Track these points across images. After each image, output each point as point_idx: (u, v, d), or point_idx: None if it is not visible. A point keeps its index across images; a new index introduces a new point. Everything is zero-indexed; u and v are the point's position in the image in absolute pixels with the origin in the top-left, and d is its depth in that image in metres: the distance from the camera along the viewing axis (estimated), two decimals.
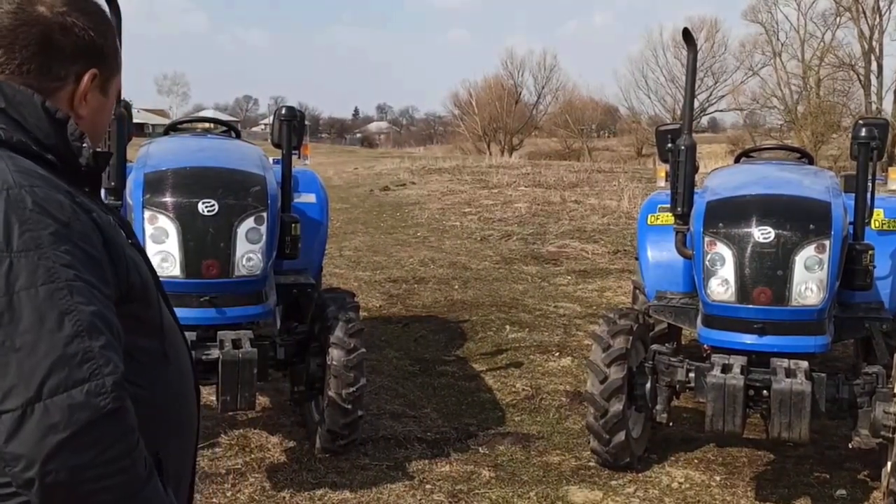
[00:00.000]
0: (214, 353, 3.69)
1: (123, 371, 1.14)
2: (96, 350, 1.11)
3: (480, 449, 4.47)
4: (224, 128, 5.51)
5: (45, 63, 1.28)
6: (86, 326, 1.11)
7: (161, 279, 3.63)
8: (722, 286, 3.87)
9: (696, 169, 4.31)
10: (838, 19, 39.43)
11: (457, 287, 8.35)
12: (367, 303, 7.13)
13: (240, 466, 4.11)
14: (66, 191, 1.21)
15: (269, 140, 4.68)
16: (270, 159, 4.64)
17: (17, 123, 1.24)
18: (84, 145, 1.29)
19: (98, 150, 1.34)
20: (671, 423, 4.30)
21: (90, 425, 1.09)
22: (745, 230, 3.88)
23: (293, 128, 4.43)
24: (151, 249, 3.79)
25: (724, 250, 3.88)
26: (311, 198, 4.96)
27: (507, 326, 6.87)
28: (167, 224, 3.82)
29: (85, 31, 1.30)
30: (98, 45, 1.32)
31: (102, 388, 1.10)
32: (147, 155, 4.29)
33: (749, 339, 3.83)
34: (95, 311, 1.13)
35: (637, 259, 5.20)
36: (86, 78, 1.31)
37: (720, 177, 4.65)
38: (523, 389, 5.41)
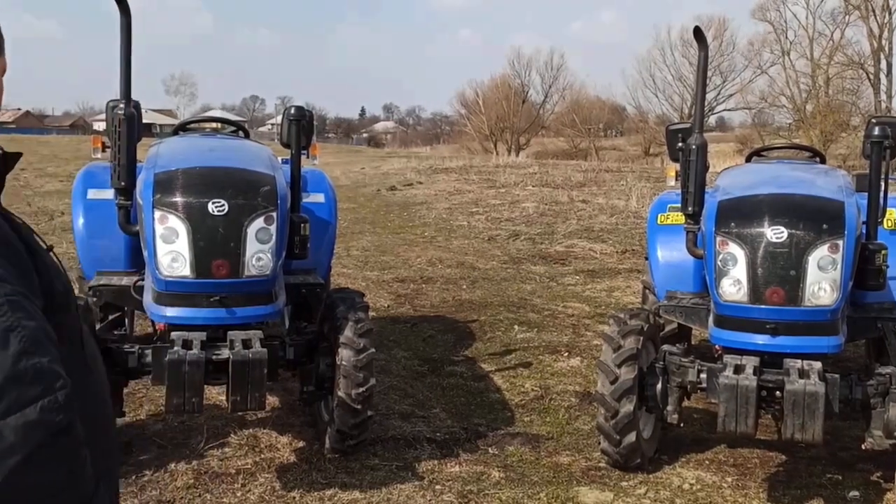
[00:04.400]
0: (224, 353, 3.68)
1: (70, 385, 1.09)
2: (45, 365, 1.06)
3: (490, 449, 4.46)
4: (233, 128, 5.51)
5: None
6: (32, 342, 1.06)
7: (171, 279, 3.61)
8: (734, 286, 3.84)
9: (706, 168, 4.29)
10: (847, 17, 39.31)
11: (465, 287, 8.33)
12: (375, 303, 7.12)
13: (250, 466, 4.10)
14: None
15: (277, 140, 4.67)
16: (279, 159, 4.63)
17: None
18: None
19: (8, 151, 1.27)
20: (682, 424, 4.28)
21: (45, 444, 1.05)
22: (758, 230, 3.85)
23: (302, 128, 4.42)
24: (162, 249, 3.79)
25: (736, 250, 3.86)
26: (319, 198, 4.96)
27: (516, 326, 6.85)
28: (177, 224, 3.81)
29: None
30: None
31: (56, 404, 1.06)
32: (157, 155, 4.29)
33: (762, 340, 3.80)
34: (38, 326, 1.09)
35: (647, 259, 5.18)
36: None
37: (732, 176, 4.62)
38: (532, 390, 5.39)
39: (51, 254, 1.27)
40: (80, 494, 1.10)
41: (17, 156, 1.30)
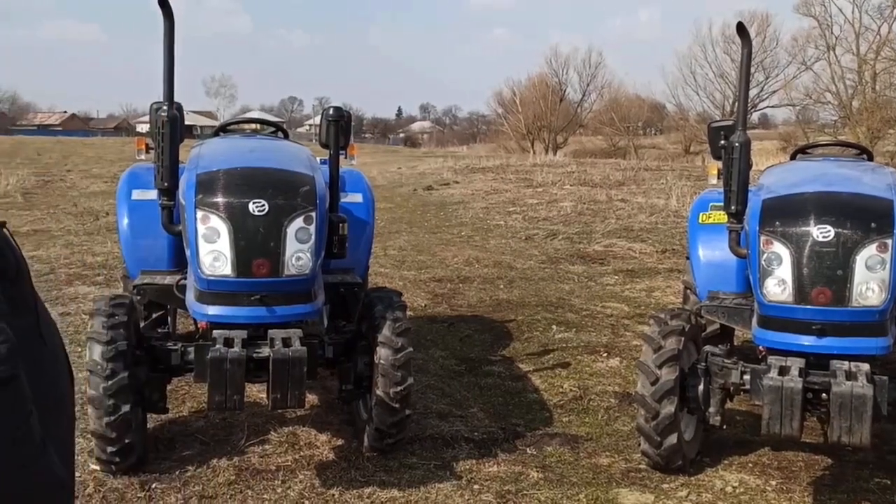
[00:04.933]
0: (265, 351, 3.71)
1: (15, 341, 1.09)
2: None
3: (528, 449, 4.44)
4: (272, 128, 5.56)
5: None
6: None
7: (213, 278, 3.63)
8: (779, 286, 3.77)
9: (750, 166, 4.21)
10: (894, 11, 38.31)
11: (502, 286, 8.31)
12: (412, 302, 7.13)
13: (289, 463, 4.14)
14: None
15: (316, 140, 4.70)
16: (318, 159, 4.67)
17: None
18: None
19: None
20: (725, 426, 4.21)
21: None
22: (804, 229, 3.77)
23: (340, 128, 4.44)
24: (203, 249, 3.84)
25: (781, 249, 3.78)
26: (357, 197, 4.98)
27: (554, 326, 6.81)
28: (219, 224, 3.86)
29: None
30: None
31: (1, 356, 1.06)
32: (199, 156, 4.35)
33: (807, 341, 3.72)
34: None
35: (688, 258, 5.11)
36: None
37: (776, 174, 4.54)
38: (571, 390, 5.35)
39: (3, 230, 1.27)
40: (24, 450, 1.09)
41: None
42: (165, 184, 4.06)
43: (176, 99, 4.09)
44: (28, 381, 1.18)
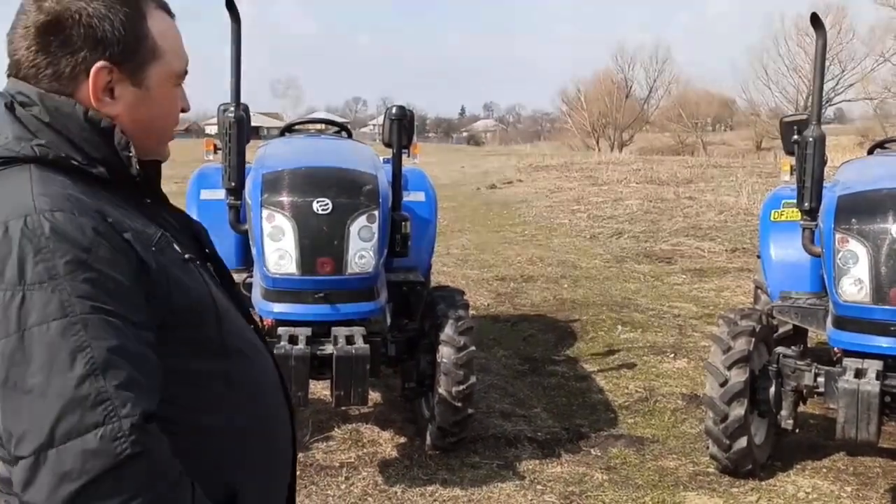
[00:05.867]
0: (329, 348, 3.76)
1: (149, 411, 1.05)
2: (111, 390, 1.02)
3: (592, 451, 4.38)
4: (336, 128, 5.63)
5: (54, 62, 1.17)
6: (100, 364, 1.02)
7: (278, 276, 3.67)
8: (855, 286, 3.64)
9: (824, 162, 4.07)
10: None
11: (566, 286, 8.23)
12: (475, 301, 7.12)
13: (353, 460, 4.18)
14: (97, 210, 1.11)
15: (379, 140, 4.73)
16: (381, 158, 4.70)
17: (65, 137, 1.16)
18: (130, 154, 1.19)
19: (157, 157, 1.25)
20: (797, 430, 4.09)
21: (107, 473, 1.00)
22: (882, 226, 3.63)
23: (403, 127, 4.46)
24: (269, 247, 3.91)
25: (857, 248, 3.64)
26: (420, 196, 4.99)
27: (619, 326, 6.71)
28: (284, 223, 3.92)
29: (91, 19, 1.17)
30: (106, 33, 1.18)
31: (119, 433, 1.01)
32: (264, 156, 4.43)
33: (886, 343, 3.58)
34: (114, 347, 1.04)
35: (759, 257, 4.97)
36: (92, 72, 1.18)
37: (852, 170, 4.38)
38: (636, 391, 5.26)
39: (189, 265, 1.23)
40: None
41: (157, 164, 1.31)
42: (233, 183, 4.15)
43: (243, 100, 4.18)
44: (218, 429, 1.18)
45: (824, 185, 4.07)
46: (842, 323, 3.74)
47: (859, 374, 3.52)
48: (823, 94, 4.31)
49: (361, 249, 3.94)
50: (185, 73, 1.30)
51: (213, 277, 1.31)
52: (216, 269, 1.36)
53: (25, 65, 1.19)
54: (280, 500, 1.35)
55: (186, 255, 1.23)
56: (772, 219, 4.70)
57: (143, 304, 1.11)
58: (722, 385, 3.85)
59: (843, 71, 43.53)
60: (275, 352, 3.68)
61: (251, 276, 4.29)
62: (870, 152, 5.10)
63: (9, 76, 1.23)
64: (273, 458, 1.31)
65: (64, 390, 1.01)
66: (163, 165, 1.37)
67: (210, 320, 1.22)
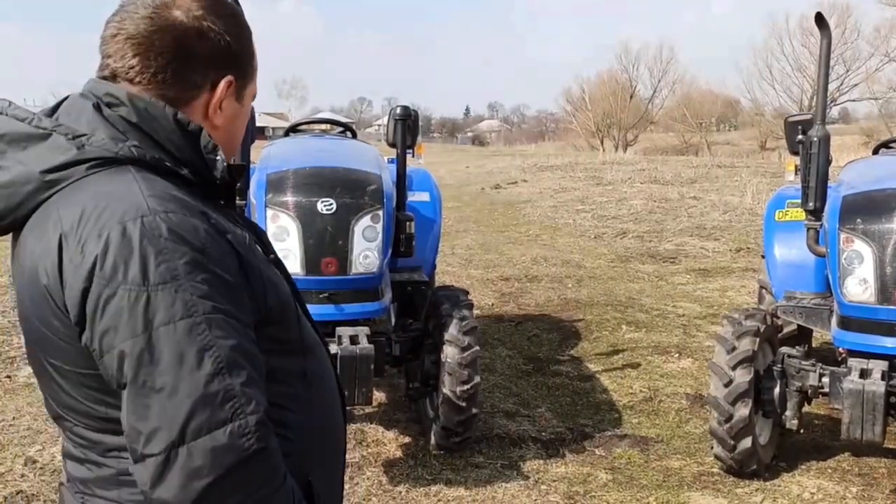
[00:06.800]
0: (333, 348, 3.76)
1: (266, 407, 1.08)
2: (237, 388, 1.05)
3: (597, 451, 4.38)
4: (341, 128, 5.64)
5: (181, 71, 1.20)
6: (226, 363, 1.06)
7: None
8: (860, 286, 3.63)
9: (829, 161, 4.06)
10: None
11: (570, 286, 8.23)
12: (479, 301, 7.12)
13: (357, 460, 4.18)
14: (201, 211, 1.14)
15: (384, 140, 4.74)
16: (385, 158, 4.70)
17: (150, 138, 1.18)
18: (218, 158, 1.22)
19: (231, 162, 1.26)
20: (802, 430, 4.08)
21: (235, 468, 1.04)
22: (887, 226, 3.62)
23: (408, 127, 4.47)
24: (274, 247, 3.91)
25: (862, 248, 3.64)
26: (424, 196, 5.00)
27: (623, 326, 6.71)
28: (288, 223, 3.93)
29: (220, 36, 1.22)
30: (233, 51, 1.24)
31: (246, 429, 1.04)
32: (269, 156, 4.44)
33: (891, 343, 3.57)
34: (235, 345, 1.07)
35: (763, 257, 4.96)
36: (221, 85, 1.23)
37: (857, 170, 4.37)
38: (641, 391, 5.26)
39: (272, 265, 1.27)
40: None
41: (243, 168, 1.33)
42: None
43: None
44: (298, 424, 1.22)
45: (829, 184, 4.06)
46: (846, 323, 3.74)
47: (864, 374, 3.52)
48: (828, 93, 4.30)
49: (366, 249, 3.94)
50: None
51: (284, 275, 1.34)
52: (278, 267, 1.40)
53: (143, 68, 1.19)
54: (339, 491, 1.40)
55: (271, 255, 1.29)
56: (776, 219, 4.69)
57: (248, 303, 1.14)
58: (726, 385, 3.84)
59: (848, 70, 43.40)
60: None
61: None
62: (875, 152, 5.09)
63: (108, 76, 1.21)
64: (337, 451, 1.36)
65: (194, 389, 1.04)
66: None
67: (292, 318, 1.26)
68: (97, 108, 1.18)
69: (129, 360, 1.05)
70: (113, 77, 1.21)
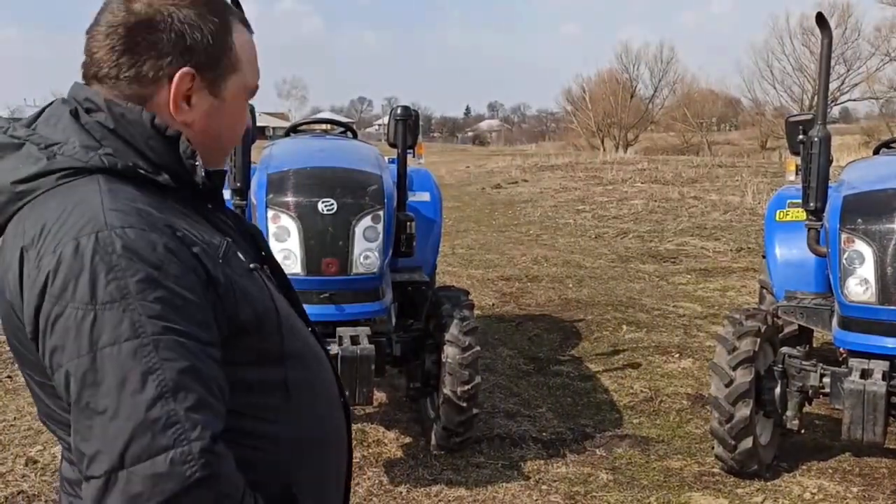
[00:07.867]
0: (333, 348, 3.76)
1: (217, 433, 1.04)
2: (181, 413, 1.02)
3: (597, 451, 4.38)
4: (341, 129, 5.64)
5: (132, 65, 1.16)
6: (171, 386, 1.02)
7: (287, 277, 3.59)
8: (861, 286, 3.63)
9: (830, 161, 4.06)
10: None
11: (571, 286, 8.22)
12: (480, 301, 7.12)
13: (357, 460, 4.18)
14: (167, 224, 1.10)
15: (384, 140, 4.74)
16: (386, 158, 4.70)
17: (129, 144, 1.15)
18: (197, 163, 1.19)
19: (210, 169, 1.23)
20: (803, 431, 4.08)
21: (176, 496, 1.00)
22: (888, 226, 3.62)
23: (408, 127, 4.47)
24: (274, 247, 3.91)
25: (863, 248, 3.64)
26: (425, 196, 5.00)
27: (624, 326, 6.71)
28: (289, 223, 3.93)
29: (175, 27, 1.17)
30: (190, 42, 1.18)
31: (188, 456, 1.01)
32: (270, 156, 4.44)
33: (892, 343, 3.57)
34: (186, 368, 1.04)
35: (764, 257, 4.96)
36: (176, 78, 1.17)
37: (858, 170, 4.37)
38: (641, 391, 5.26)
39: (254, 274, 1.22)
40: None
41: (223, 174, 1.31)
42: (238, 184, 4.15)
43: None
44: (275, 436, 1.18)
45: (830, 184, 4.06)
46: (847, 323, 3.73)
47: (865, 374, 3.52)
48: (829, 93, 4.30)
49: (366, 249, 3.94)
50: (257, 88, 1.30)
51: (271, 280, 1.30)
52: (272, 270, 1.36)
53: (106, 64, 1.17)
54: (337, 495, 1.36)
55: (251, 265, 1.23)
56: (777, 219, 4.69)
57: (211, 320, 1.10)
58: (727, 385, 3.84)
59: (849, 70, 43.38)
60: None
61: None
62: (875, 152, 5.09)
63: (84, 76, 1.21)
64: (328, 458, 1.32)
65: (135, 413, 1.01)
66: None
67: (272, 329, 1.21)
68: (74, 114, 1.17)
69: (73, 380, 1.03)
70: (86, 77, 1.20)
